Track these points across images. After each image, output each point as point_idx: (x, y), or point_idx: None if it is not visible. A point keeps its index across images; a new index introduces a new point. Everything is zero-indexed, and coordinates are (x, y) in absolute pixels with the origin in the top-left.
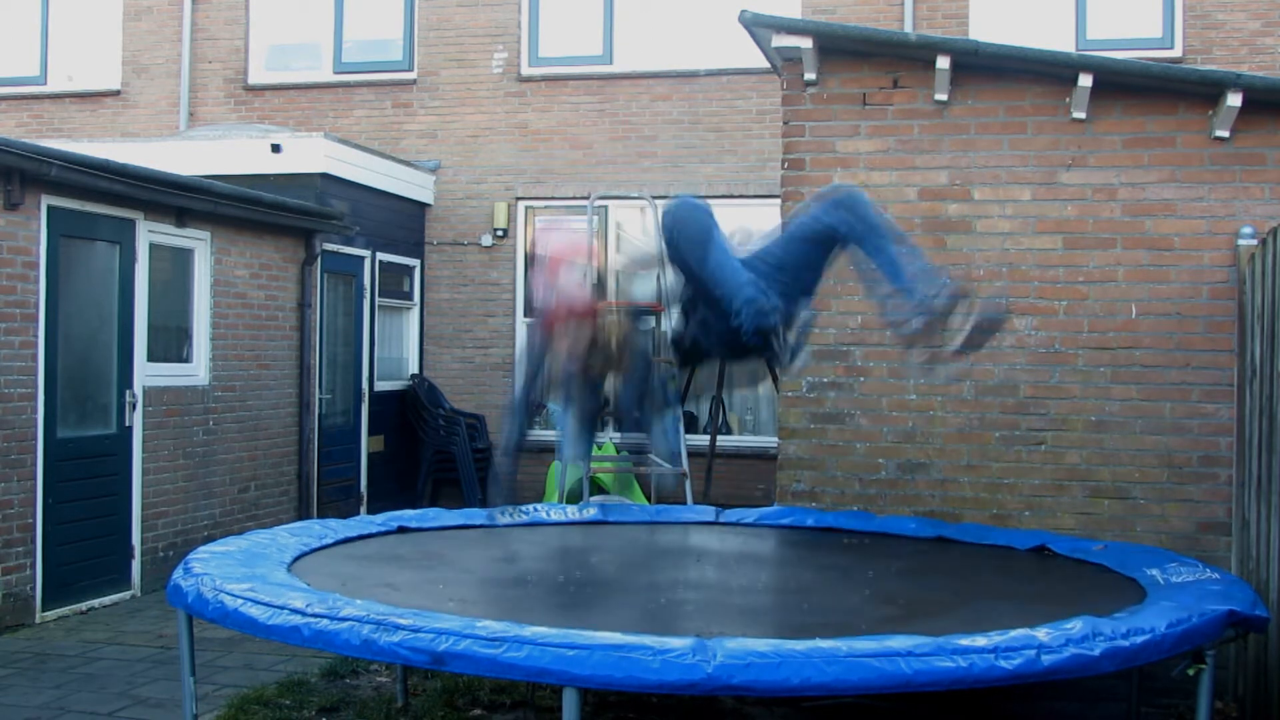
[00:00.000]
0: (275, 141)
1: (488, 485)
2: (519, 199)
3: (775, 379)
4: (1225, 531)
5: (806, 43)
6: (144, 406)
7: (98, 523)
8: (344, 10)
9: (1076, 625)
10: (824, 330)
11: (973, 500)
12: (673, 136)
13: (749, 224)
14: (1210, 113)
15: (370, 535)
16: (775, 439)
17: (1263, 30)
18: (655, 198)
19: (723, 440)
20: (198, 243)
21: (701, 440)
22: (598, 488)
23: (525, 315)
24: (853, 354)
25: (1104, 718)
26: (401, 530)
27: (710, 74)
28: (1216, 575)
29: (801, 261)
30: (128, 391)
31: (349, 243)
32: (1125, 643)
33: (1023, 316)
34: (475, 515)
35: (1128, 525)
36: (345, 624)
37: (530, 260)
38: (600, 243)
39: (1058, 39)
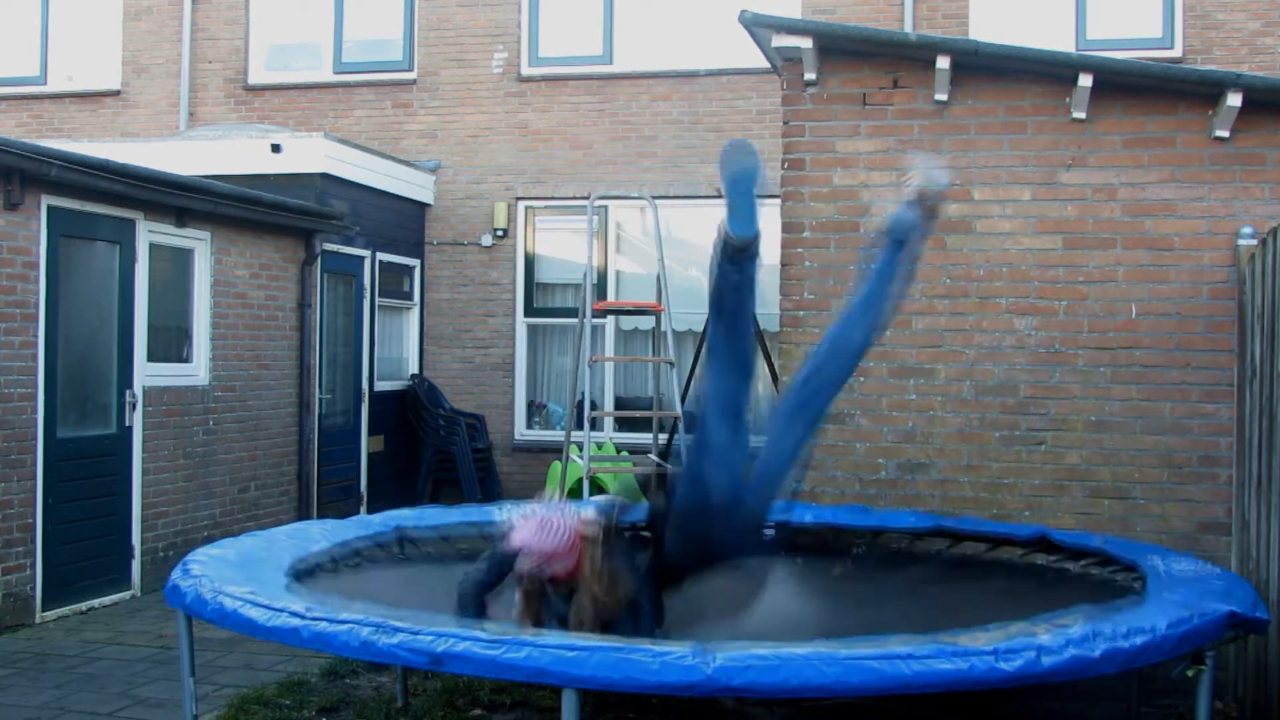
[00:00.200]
0: (275, 141)
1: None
2: (519, 199)
3: (775, 378)
4: (1225, 531)
5: (806, 43)
6: (144, 406)
7: (98, 523)
8: (344, 10)
9: (1076, 626)
10: (824, 330)
11: (973, 500)
12: (673, 136)
13: None
14: (1210, 113)
15: (369, 535)
16: None
17: (1263, 30)
18: (655, 197)
19: None
20: (198, 243)
21: None
22: (598, 488)
23: (525, 315)
24: None
25: (1104, 718)
26: (400, 530)
27: (710, 74)
28: (1217, 575)
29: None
30: (128, 391)
31: (349, 243)
32: (1125, 644)
33: (1023, 316)
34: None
35: (1128, 525)
36: (344, 626)
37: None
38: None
39: (1058, 39)
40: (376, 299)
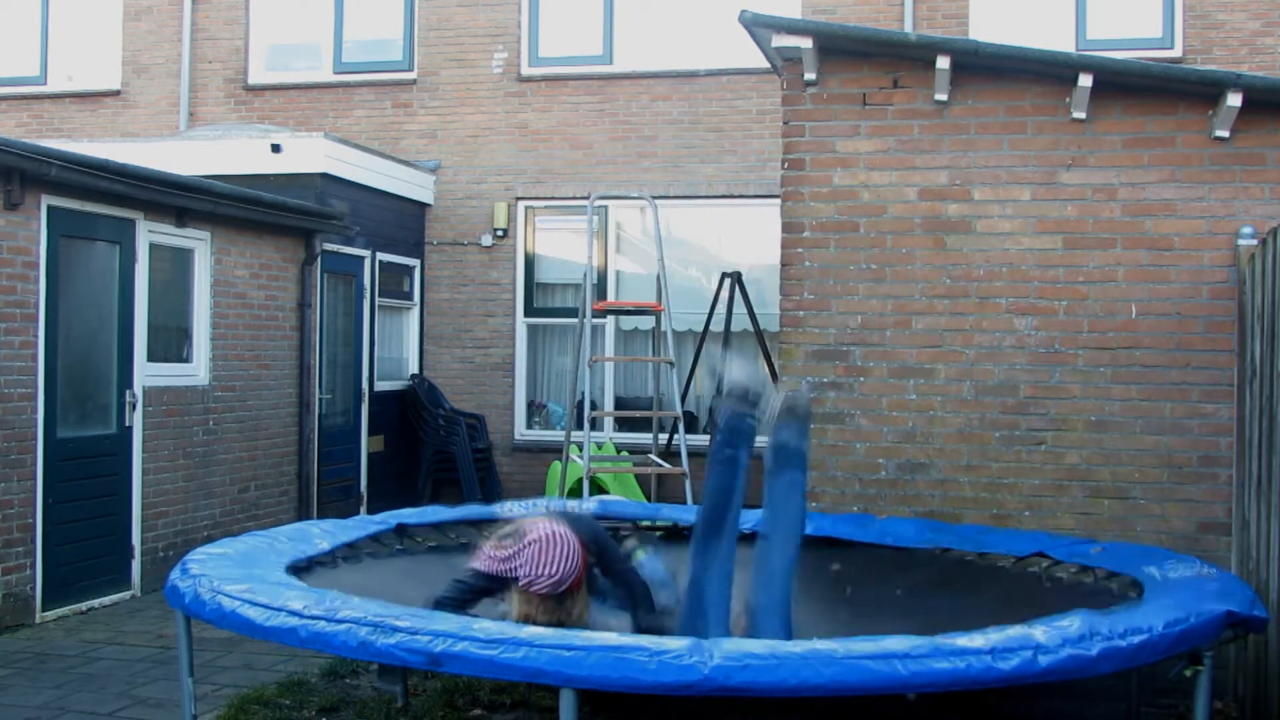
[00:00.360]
0: (275, 141)
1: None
2: (519, 199)
3: (775, 376)
4: (1225, 531)
5: (806, 43)
6: (144, 406)
7: (98, 523)
8: (344, 10)
9: (1073, 625)
10: (824, 330)
11: (973, 500)
12: (673, 136)
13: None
14: (1210, 113)
15: (369, 535)
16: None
17: (1263, 30)
18: (655, 197)
19: None
20: (198, 243)
21: (702, 440)
22: (598, 488)
23: (525, 315)
24: (853, 354)
25: (1103, 717)
26: (400, 529)
27: (710, 74)
28: (1215, 575)
29: None
30: (128, 391)
31: (349, 243)
32: (1122, 643)
33: (1023, 316)
34: (473, 512)
35: (1128, 525)
36: (342, 625)
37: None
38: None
39: (1058, 39)
40: (376, 299)
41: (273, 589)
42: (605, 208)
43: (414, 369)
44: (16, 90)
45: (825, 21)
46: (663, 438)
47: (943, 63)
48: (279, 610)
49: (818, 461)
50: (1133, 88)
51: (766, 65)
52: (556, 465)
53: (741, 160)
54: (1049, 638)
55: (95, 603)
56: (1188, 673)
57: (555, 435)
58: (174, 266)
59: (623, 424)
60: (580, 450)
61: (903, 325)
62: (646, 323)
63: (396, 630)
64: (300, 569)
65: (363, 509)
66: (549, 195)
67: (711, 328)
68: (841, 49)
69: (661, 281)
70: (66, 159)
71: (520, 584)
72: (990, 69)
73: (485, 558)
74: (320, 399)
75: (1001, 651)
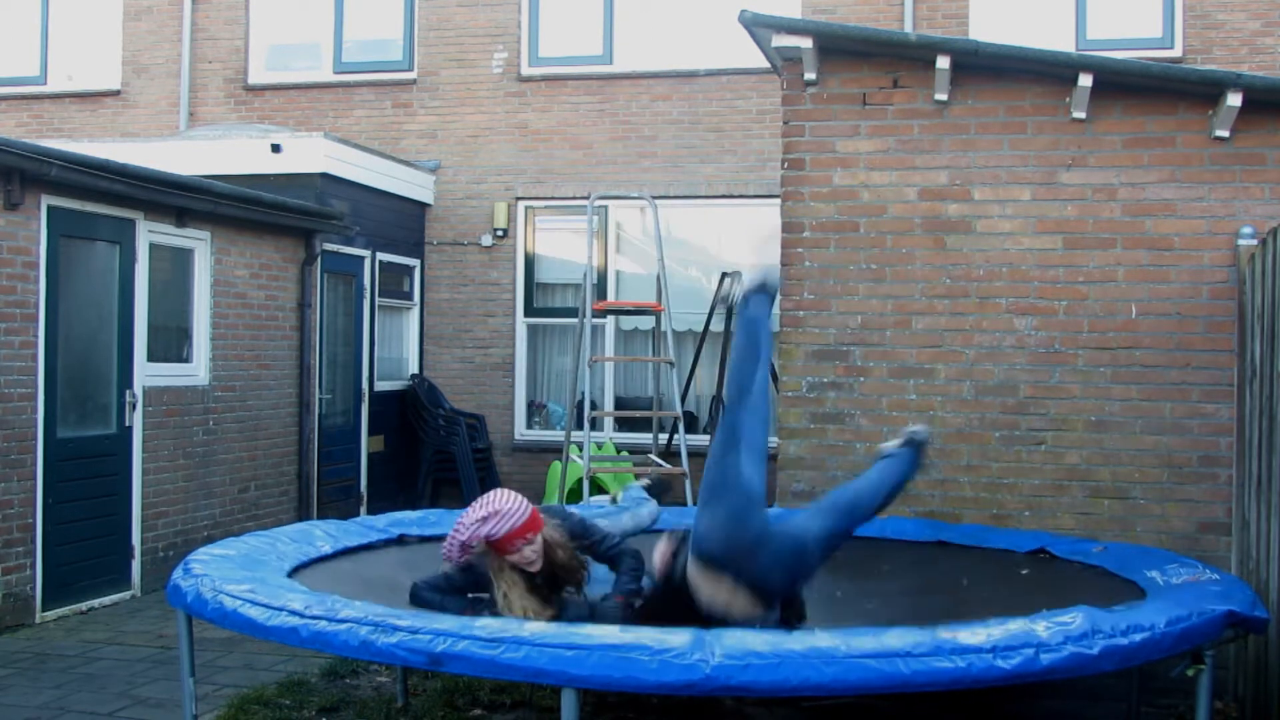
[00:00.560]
0: (275, 141)
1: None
2: (519, 199)
3: (775, 378)
4: (1225, 531)
5: (806, 43)
6: (144, 406)
7: (98, 523)
8: (344, 10)
9: (1075, 624)
10: (824, 330)
11: (973, 500)
12: (673, 136)
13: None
14: (1210, 113)
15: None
16: (775, 439)
17: (1263, 30)
18: (655, 197)
19: None
20: (198, 243)
21: (702, 440)
22: (598, 488)
23: (525, 315)
24: (853, 354)
25: (1104, 717)
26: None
27: (710, 74)
28: (1216, 575)
29: None
30: (128, 391)
31: (349, 243)
32: (1124, 641)
33: (1023, 316)
34: None
35: (1128, 525)
36: (344, 625)
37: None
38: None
39: (1058, 39)
40: (376, 299)
41: (274, 589)
42: (605, 208)
43: (414, 369)
44: (16, 90)
45: (825, 21)
46: (663, 438)
47: (943, 63)
48: (280, 610)
49: (818, 462)
50: (1133, 88)
51: (766, 65)
52: (556, 465)
53: (741, 160)
54: (1051, 636)
55: (95, 603)
56: (1190, 672)
57: (555, 435)
58: (174, 266)
59: (623, 424)
60: (580, 450)
61: (903, 325)
62: (646, 323)
63: (397, 630)
64: (302, 570)
65: (363, 509)
66: (549, 195)
67: (711, 328)
68: (841, 49)
69: (661, 281)
70: (66, 159)
71: (464, 542)
72: (990, 69)
73: (447, 550)
74: (320, 399)
75: (1003, 650)
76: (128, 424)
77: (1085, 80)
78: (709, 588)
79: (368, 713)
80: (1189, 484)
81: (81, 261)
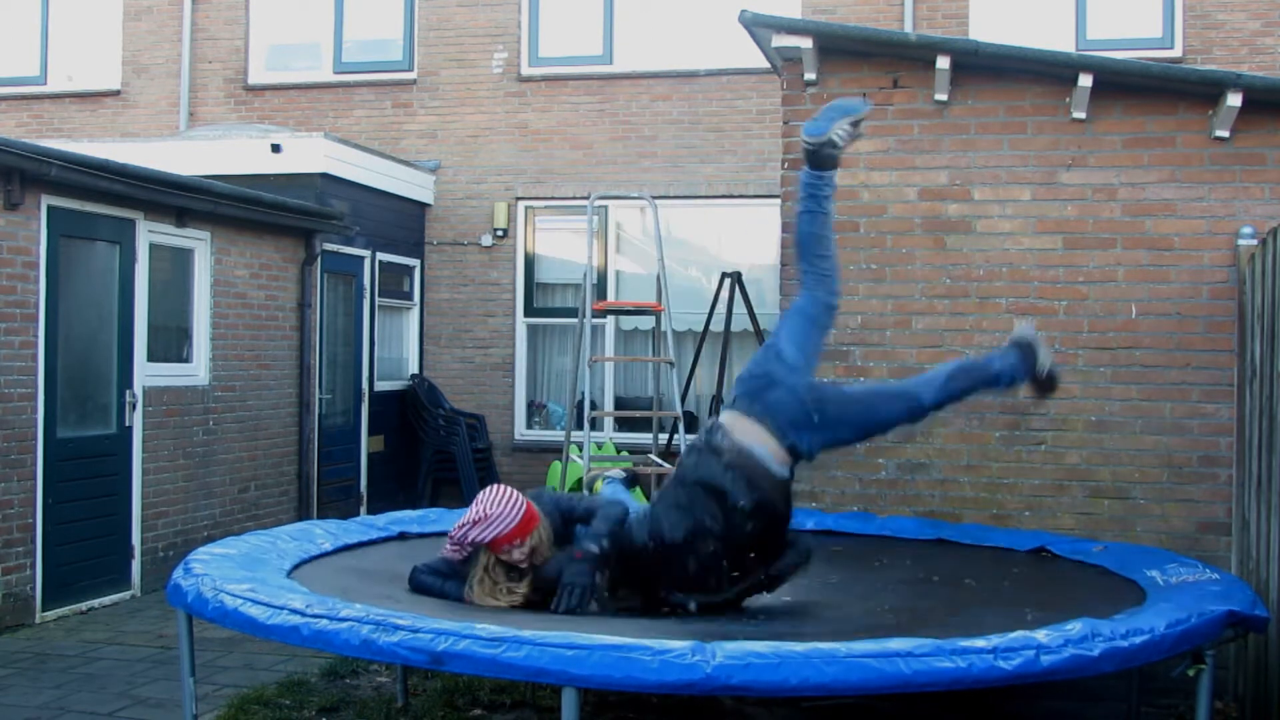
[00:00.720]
0: (275, 141)
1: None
2: (519, 199)
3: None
4: (1225, 531)
5: (806, 43)
6: (144, 406)
7: (98, 523)
8: (344, 10)
9: (1075, 625)
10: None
11: (973, 500)
12: (673, 136)
13: None
14: (1210, 113)
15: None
16: None
17: (1263, 30)
18: (655, 197)
19: None
20: (198, 243)
21: None
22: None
23: (525, 315)
24: (853, 354)
25: (1104, 717)
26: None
27: (710, 74)
28: (1216, 575)
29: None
30: (128, 391)
31: (349, 243)
32: (1124, 643)
33: (1023, 316)
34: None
35: (1128, 525)
36: (344, 624)
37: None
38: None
39: (1058, 39)
40: (376, 299)
41: (275, 588)
42: (605, 208)
43: (414, 369)
44: (16, 90)
45: (825, 21)
46: (663, 438)
47: (943, 63)
48: (281, 609)
49: (817, 461)
50: (1133, 88)
51: (766, 65)
52: (556, 465)
53: (741, 160)
54: (1051, 637)
55: (95, 603)
56: (1190, 672)
57: (555, 435)
58: (174, 266)
59: (623, 424)
60: (580, 450)
61: (903, 325)
62: (646, 323)
63: (399, 629)
64: (303, 566)
65: (363, 509)
66: (549, 195)
67: (711, 328)
68: (841, 49)
69: (661, 281)
70: (66, 159)
71: (459, 539)
72: (990, 69)
73: (450, 548)
74: (320, 399)
75: (1004, 651)
76: (128, 424)
77: (1085, 80)
78: (740, 425)
79: (368, 713)
80: (1189, 484)
81: (81, 261)
